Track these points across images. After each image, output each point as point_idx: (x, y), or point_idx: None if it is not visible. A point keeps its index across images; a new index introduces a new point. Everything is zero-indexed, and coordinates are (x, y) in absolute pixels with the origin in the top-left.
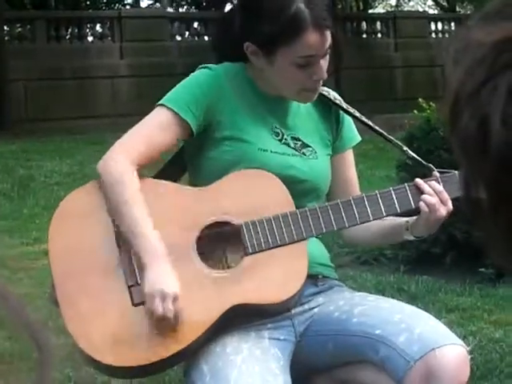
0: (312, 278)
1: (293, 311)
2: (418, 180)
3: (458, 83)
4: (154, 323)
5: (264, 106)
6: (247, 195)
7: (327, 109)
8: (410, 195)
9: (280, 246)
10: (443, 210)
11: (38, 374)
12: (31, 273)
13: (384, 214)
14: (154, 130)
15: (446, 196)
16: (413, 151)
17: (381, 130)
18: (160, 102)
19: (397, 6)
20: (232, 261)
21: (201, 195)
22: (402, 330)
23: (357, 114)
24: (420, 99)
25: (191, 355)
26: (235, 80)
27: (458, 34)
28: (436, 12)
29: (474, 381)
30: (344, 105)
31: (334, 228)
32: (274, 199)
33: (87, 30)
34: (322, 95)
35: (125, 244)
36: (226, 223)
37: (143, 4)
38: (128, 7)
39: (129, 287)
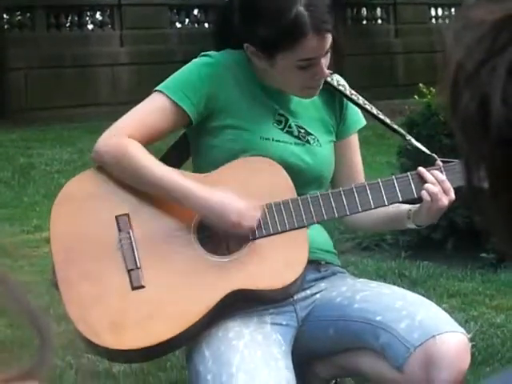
0: (314, 263)
1: (295, 297)
2: (421, 169)
3: (458, 64)
4: (153, 307)
5: (266, 94)
6: (249, 182)
7: (331, 93)
8: (412, 184)
9: (281, 232)
10: (445, 200)
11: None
12: (32, 260)
13: (386, 203)
14: (150, 114)
15: (448, 185)
16: (413, 137)
17: (384, 118)
18: (157, 88)
19: None
20: (233, 246)
21: (203, 181)
22: (403, 316)
23: (360, 100)
24: (420, 84)
25: (191, 339)
26: (237, 68)
27: (458, 12)
28: None
29: (475, 366)
30: (348, 91)
31: (335, 215)
32: (275, 186)
33: (87, 18)
34: (325, 82)
35: (125, 227)
36: None
37: None
38: None
39: (128, 271)
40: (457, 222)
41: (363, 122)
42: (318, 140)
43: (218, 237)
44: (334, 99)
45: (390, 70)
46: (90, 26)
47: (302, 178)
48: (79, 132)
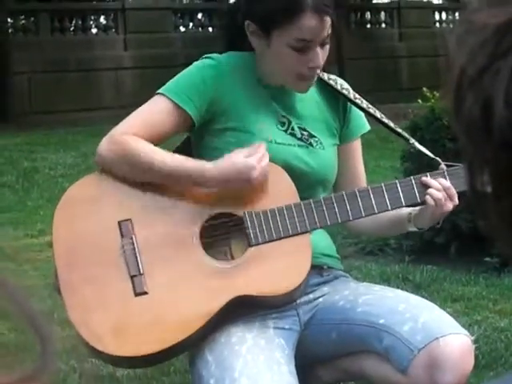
0: (317, 268)
1: (298, 301)
2: (424, 178)
3: (461, 68)
4: (156, 313)
5: (269, 95)
6: (252, 186)
7: (335, 97)
8: (415, 189)
9: (284, 237)
10: (449, 204)
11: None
12: (36, 265)
13: (389, 208)
14: (152, 116)
15: (452, 191)
16: (417, 141)
17: (388, 122)
18: (159, 91)
19: None
20: (236, 251)
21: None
22: (407, 319)
23: (364, 104)
24: (424, 88)
25: (194, 345)
26: (240, 70)
27: (461, 16)
28: (440, 2)
29: (478, 370)
30: (351, 94)
31: (338, 221)
32: (278, 190)
33: (91, 22)
34: (328, 85)
35: (127, 233)
36: (231, 214)
37: None
38: None
39: (131, 277)
40: (460, 226)
41: (367, 127)
42: (321, 143)
43: (221, 241)
44: (337, 103)
45: (393, 73)
46: (94, 30)
47: (305, 181)
48: (83, 136)
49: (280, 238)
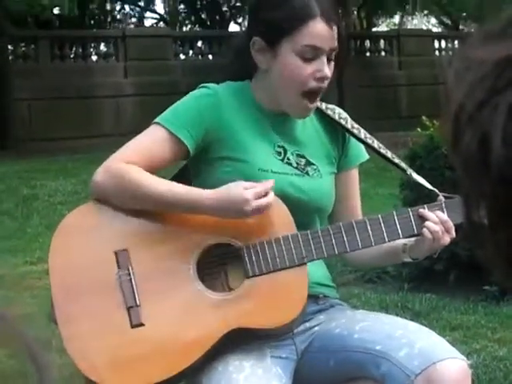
0: (313, 297)
1: (294, 330)
2: (422, 210)
3: (459, 102)
4: (153, 345)
5: (267, 124)
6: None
7: (333, 125)
8: (413, 221)
9: (281, 269)
10: (447, 238)
11: None
12: (35, 292)
13: (386, 240)
14: (148, 145)
15: (450, 224)
16: (416, 169)
17: (386, 152)
18: (156, 121)
19: (400, 24)
20: (233, 282)
21: (202, 216)
22: (403, 344)
23: (361, 134)
24: (423, 117)
25: (192, 375)
26: (237, 98)
27: (459, 52)
28: (440, 30)
29: None
30: (349, 124)
31: (335, 252)
32: (275, 221)
33: (91, 49)
34: (326, 115)
35: (124, 264)
36: (227, 244)
37: (147, 23)
38: (132, 26)
39: (128, 308)
40: (459, 255)
41: (365, 156)
42: (319, 170)
43: (217, 271)
44: (336, 131)
45: (393, 101)
46: (94, 58)
47: (301, 210)
48: (83, 163)
49: (277, 270)
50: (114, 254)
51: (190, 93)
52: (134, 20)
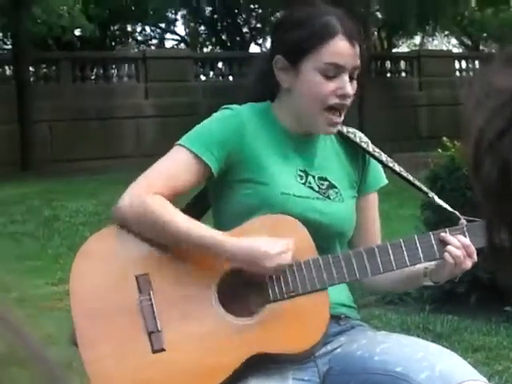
0: (334, 317)
1: (316, 353)
2: (444, 234)
3: (479, 128)
4: (174, 370)
5: (290, 146)
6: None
7: (354, 149)
8: (435, 246)
9: (302, 294)
10: (468, 262)
11: None
12: (56, 313)
13: (408, 264)
14: (173, 169)
15: (472, 249)
16: (437, 190)
17: (407, 175)
18: (179, 142)
19: (421, 44)
20: (255, 307)
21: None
22: (424, 367)
23: (383, 157)
24: (444, 138)
25: None
26: (259, 120)
27: (480, 75)
28: (460, 51)
29: None
30: (370, 147)
31: (356, 277)
32: (296, 245)
33: (112, 71)
34: (347, 138)
35: (145, 288)
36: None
37: (168, 44)
38: (153, 48)
39: (149, 333)
40: (480, 277)
41: (384, 181)
42: (340, 194)
43: (239, 297)
44: (357, 155)
45: (413, 122)
46: (115, 79)
47: (321, 234)
48: (104, 184)
49: (299, 295)
50: (135, 279)
51: (213, 114)
52: (154, 41)
